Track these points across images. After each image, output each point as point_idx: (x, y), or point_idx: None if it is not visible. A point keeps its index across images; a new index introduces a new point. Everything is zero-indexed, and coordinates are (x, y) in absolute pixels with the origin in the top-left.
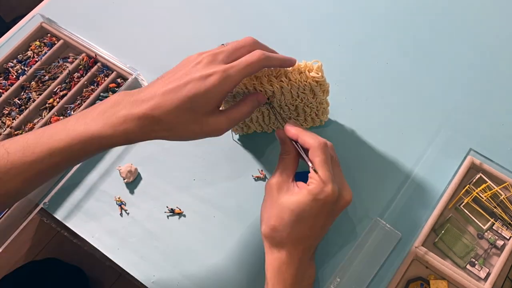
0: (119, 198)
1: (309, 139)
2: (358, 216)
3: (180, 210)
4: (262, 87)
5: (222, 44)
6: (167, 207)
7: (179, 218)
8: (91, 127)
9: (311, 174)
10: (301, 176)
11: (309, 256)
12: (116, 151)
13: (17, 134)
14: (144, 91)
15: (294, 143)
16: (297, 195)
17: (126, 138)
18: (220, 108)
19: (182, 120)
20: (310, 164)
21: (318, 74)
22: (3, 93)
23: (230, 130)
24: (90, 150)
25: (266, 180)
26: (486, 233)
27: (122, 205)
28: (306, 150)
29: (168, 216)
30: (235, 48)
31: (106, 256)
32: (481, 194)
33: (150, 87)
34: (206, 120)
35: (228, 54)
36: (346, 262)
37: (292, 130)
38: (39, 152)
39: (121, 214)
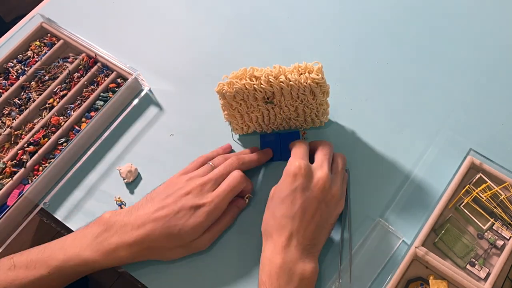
0: (119, 198)
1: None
2: (359, 216)
3: None
4: (262, 88)
5: (209, 163)
6: None
7: None
8: (85, 252)
9: None
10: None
11: (300, 248)
12: (116, 151)
13: (17, 135)
14: (134, 214)
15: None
16: (276, 186)
17: (117, 263)
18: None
19: (170, 246)
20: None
21: (318, 75)
22: (3, 93)
23: (230, 130)
24: (83, 271)
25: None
26: (486, 233)
27: (122, 205)
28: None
29: None
30: (221, 174)
31: None
32: (481, 194)
33: (141, 209)
34: (191, 243)
35: (214, 182)
36: (348, 263)
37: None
38: (39, 267)
39: None
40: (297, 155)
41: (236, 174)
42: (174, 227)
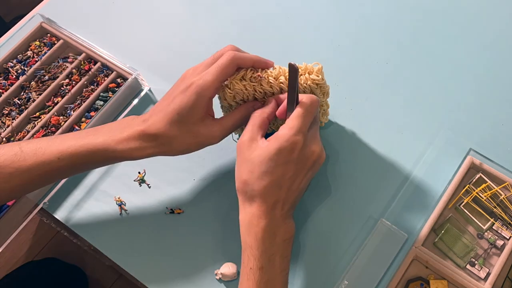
0: (119, 198)
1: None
2: (360, 217)
3: (180, 210)
4: (262, 88)
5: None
6: (166, 207)
7: (179, 218)
8: (98, 139)
9: (284, 124)
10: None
11: (283, 212)
12: None
13: (17, 134)
14: (149, 112)
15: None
16: (266, 146)
17: (128, 154)
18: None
19: (175, 133)
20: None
21: (318, 76)
22: (3, 93)
23: None
24: (95, 160)
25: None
26: (486, 233)
27: (122, 205)
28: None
29: (168, 217)
30: (214, 58)
31: (106, 256)
32: (481, 194)
33: (153, 107)
34: (198, 129)
35: (207, 65)
36: (353, 264)
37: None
38: (49, 153)
39: (121, 214)
40: (297, 127)
41: (228, 54)
42: (172, 110)
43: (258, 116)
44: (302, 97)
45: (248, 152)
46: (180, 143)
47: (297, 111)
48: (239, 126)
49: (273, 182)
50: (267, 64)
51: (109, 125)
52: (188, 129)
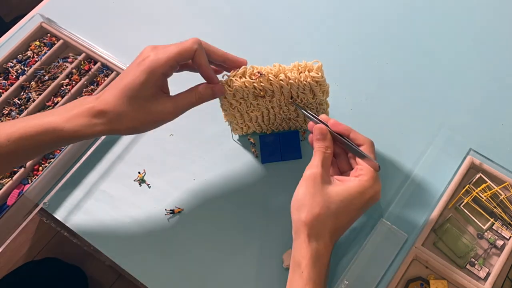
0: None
1: (360, 135)
2: (361, 217)
3: (180, 208)
4: (262, 86)
5: None
6: (165, 209)
7: (179, 218)
8: (46, 118)
9: (360, 166)
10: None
11: (333, 242)
12: (116, 151)
13: None
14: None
15: (339, 136)
16: (346, 186)
17: (76, 132)
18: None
19: (125, 108)
20: (368, 156)
21: (318, 74)
22: (3, 93)
23: (230, 130)
24: (44, 140)
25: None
26: (486, 233)
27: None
28: (356, 145)
29: (168, 218)
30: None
31: (106, 256)
32: (481, 194)
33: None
34: (150, 107)
35: (167, 45)
36: (353, 264)
37: (343, 125)
38: (0, 135)
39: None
40: (378, 176)
41: (192, 39)
42: (123, 87)
43: (328, 154)
44: (364, 140)
45: (322, 185)
46: (130, 119)
47: (373, 156)
48: (194, 105)
49: (346, 223)
50: (238, 63)
51: (64, 106)
52: (140, 105)
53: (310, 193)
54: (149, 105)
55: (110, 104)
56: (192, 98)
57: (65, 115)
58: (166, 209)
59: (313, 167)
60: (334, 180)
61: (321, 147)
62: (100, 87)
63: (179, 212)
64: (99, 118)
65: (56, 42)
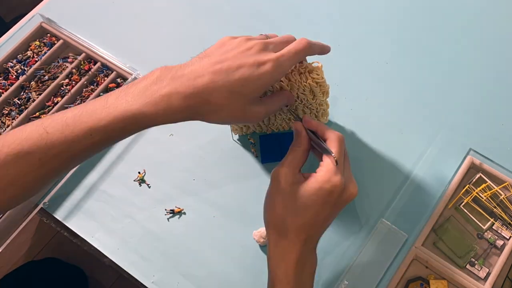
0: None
1: (328, 131)
2: (360, 217)
3: (180, 208)
4: None
5: (261, 34)
6: (165, 209)
7: (179, 218)
8: (132, 106)
9: (322, 162)
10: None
11: (311, 246)
12: (116, 151)
13: None
14: (189, 67)
15: (311, 134)
16: (303, 184)
17: (168, 118)
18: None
19: (230, 102)
20: (331, 151)
21: (318, 75)
22: (3, 93)
23: (230, 130)
24: (131, 129)
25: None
26: (486, 233)
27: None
28: (323, 141)
29: (168, 218)
30: (281, 42)
31: (106, 256)
32: (481, 194)
33: (196, 64)
34: (249, 107)
35: (276, 45)
36: (353, 265)
37: (313, 122)
38: (79, 131)
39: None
40: (339, 170)
41: (304, 40)
42: (237, 79)
43: (300, 151)
44: (330, 135)
45: (284, 185)
46: (228, 114)
47: (335, 150)
48: (275, 111)
49: (308, 220)
50: (328, 49)
51: (140, 84)
52: (243, 103)
53: (272, 193)
54: (249, 105)
55: (216, 94)
56: (277, 104)
57: (151, 99)
58: (166, 209)
59: (281, 166)
60: (302, 177)
61: (293, 145)
62: (100, 87)
63: (179, 212)
64: (200, 106)
65: (56, 42)
